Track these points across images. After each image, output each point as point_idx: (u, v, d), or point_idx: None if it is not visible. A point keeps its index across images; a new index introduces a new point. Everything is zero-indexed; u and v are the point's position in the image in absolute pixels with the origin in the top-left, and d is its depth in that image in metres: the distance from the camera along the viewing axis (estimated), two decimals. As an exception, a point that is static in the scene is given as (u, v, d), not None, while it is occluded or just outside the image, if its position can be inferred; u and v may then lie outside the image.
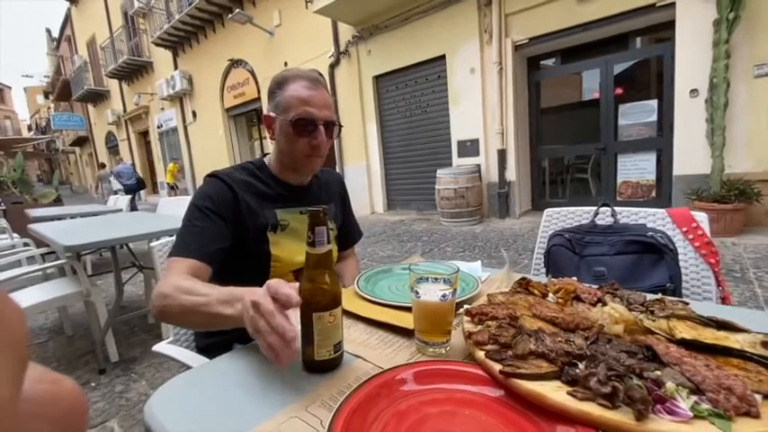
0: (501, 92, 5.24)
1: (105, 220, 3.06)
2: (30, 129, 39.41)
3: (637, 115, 4.96)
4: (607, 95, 5.05)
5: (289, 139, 0.90)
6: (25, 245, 3.56)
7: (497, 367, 0.45)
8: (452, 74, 5.68)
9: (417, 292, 0.57)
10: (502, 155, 5.33)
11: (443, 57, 5.74)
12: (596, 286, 0.67)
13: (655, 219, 1.05)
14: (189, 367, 0.78)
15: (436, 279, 0.58)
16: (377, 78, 6.72)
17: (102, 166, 11.86)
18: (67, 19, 18.96)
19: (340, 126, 0.96)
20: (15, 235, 3.96)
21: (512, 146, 5.30)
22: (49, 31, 25.15)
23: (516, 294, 0.63)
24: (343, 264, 1.18)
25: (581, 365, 0.44)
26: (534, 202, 5.83)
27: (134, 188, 9.08)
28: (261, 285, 0.83)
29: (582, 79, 5.57)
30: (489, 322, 0.53)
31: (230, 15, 7.84)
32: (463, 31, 5.43)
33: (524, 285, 0.65)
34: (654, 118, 4.83)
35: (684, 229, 0.99)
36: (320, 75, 0.94)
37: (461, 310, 0.61)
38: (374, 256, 4.08)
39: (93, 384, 1.90)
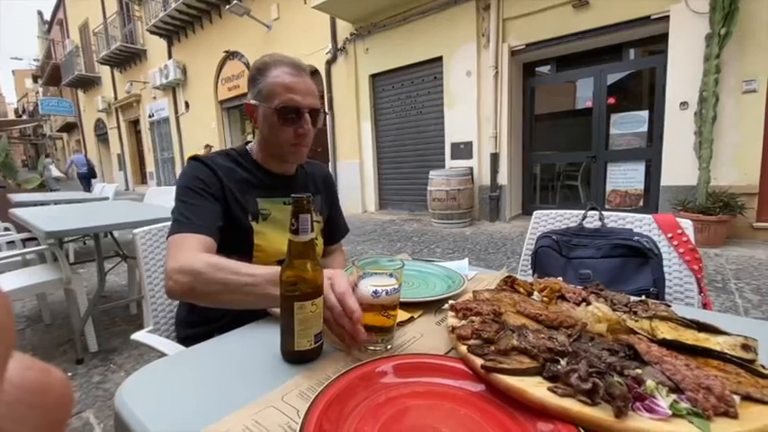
0: (496, 96, 5.27)
1: (90, 207, 2.99)
2: (17, 113, 38.48)
3: (628, 125, 5.04)
4: (600, 104, 5.11)
5: (273, 128, 0.88)
6: (6, 230, 3.48)
7: (479, 362, 0.45)
8: (449, 76, 5.70)
9: (358, 288, 0.55)
10: (495, 159, 5.36)
11: (440, 58, 5.76)
12: (581, 287, 0.67)
13: (641, 224, 1.06)
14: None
15: (381, 274, 0.56)
16: (373, 77, 6.71)
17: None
18: (60, 2, 18.56)
19: (325, 113, 0.95)
20: (-5, 219, 3.86)
21: (505, 150, 5.34)
22: (40, 13, 24.58)
23: (502, 292, 0.63)
24: (330, 258, 1.17)
25: (563, 362, 0.43)
26: (525, 207, 5.88)
27: (86, 176, 10.86)
28: None
29: (576, 87, 5.64)
30: (473, 317, 0.53)
31: (228, 6, 7.75)
32: (461, 33, 5.45)
33: (510, 283, 0.65)
34: (644, 128, 4.91)
35: (669, 235, 1.00)
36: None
37: (446, 305, 0.61)
38: (364, 255, 4.07)
39: (69, 374, 1.86)
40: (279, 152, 0.92)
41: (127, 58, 12.89)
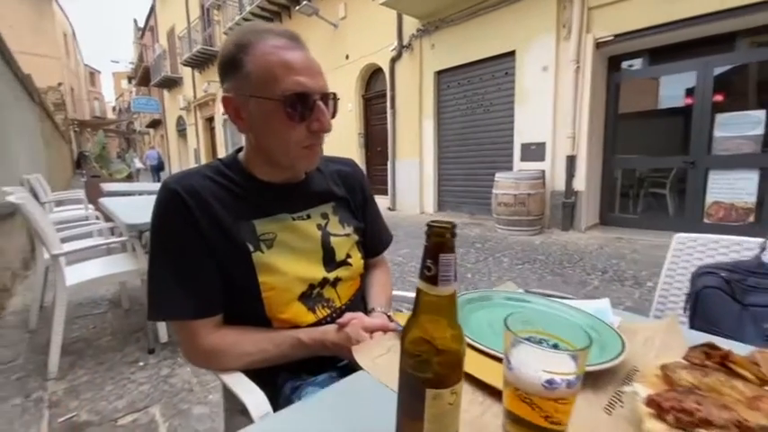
0: (576, 93, 4.78)
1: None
2: (114, 110, 43.51)
3: (737, 127, 4.31)
4: (703, 103, 4.43)
5: (275, 127, 0.65)
6: (97, 218, 3.79)
7: None
8: (521, 71, 5.30)
9: (510, 362, 0.36)
10: (571, 161, 4.88)
11: (513, 53, 5.37)
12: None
13: None
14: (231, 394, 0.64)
15: (551, 345, 0.38)
16: (438, 74, 6.48)
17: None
18: (152, 10, 20.54)
19: (337, 99, 0.71)
20: (90, 207, 4.25)
21: (583, 152, 4.84)
22: (135, 21, 27.48)
23: (709, 374, 0.42)
24: (372, 275, 0.91)
25: None
26: (602, 216, 5.31)
27: (156, 168, 13.74)
28: (257, 325, 0.71)
29: (669, 83, 4.96)
30: (700, 431, 0.33)
31: (297, 7, 7.95)
32: (538, 25, 5.02)
33: (719, 359, 0.43)
34: (759, 131, 4.16)
35: None
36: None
37: (629, 388, 0.41)
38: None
39: (141, 364, 1.90)
40: (285, 159, 0.69)
41: (206, 59, 13.86)
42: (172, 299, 0.65)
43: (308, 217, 0.77)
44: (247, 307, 0.70)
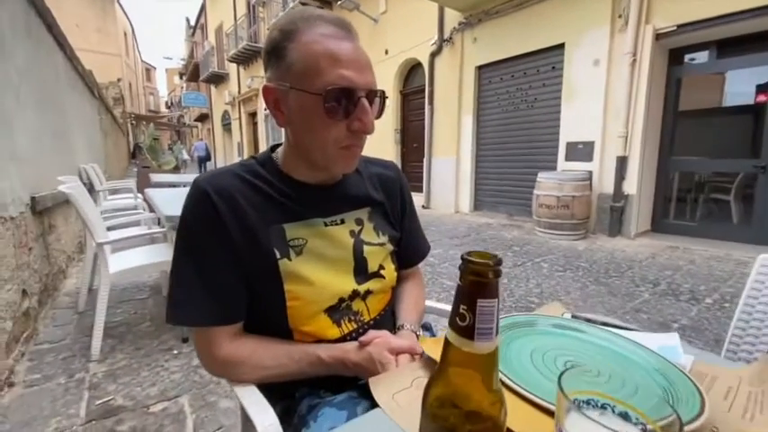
0: (631, 88, 4.42)
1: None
2: (167, 105, 46.19)
3: (821, 127, 3.82)
4: (781, 99, 3.95)
5: (314, 124, 0.60)
6: (145, 208, 4.00)
7: None
8: (570, 65, 4.98)
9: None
10: (622, 162, 4.54)
11: (561, 46, 5.06)
12: None
13: None
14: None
15: (617, 413, 0.29)
16: (479, 68, 6.26)
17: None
18: (203, 9, 21.47)
19: (385, 97, 0.65)
20: (140, 195, 4.49)
21: (636, 153, 4.48)
22: (188, 19, 28.88)
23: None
24: (404, 287, 0.84)
25: None
26: (654, 223, 4.90)
27: (203, 159, 14.90)
28: (277, 334, 0.67)
29: (737, 78, 4.48)
30: None
31: (339, 2, 7.97)
32: (591, 16, 4.69)
33: None
34: None
35: None
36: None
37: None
38: (456, 261, 3.76)
39: (175, 352, 1.96)
40: (321, 159, 0.64)
41: (250, 55, 14.30)
42: (191, 303, 0.62)
43: (342, 222, 0.72)
44: (269, 316, 0.67)
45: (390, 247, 0.77)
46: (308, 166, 0.67)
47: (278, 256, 0.64)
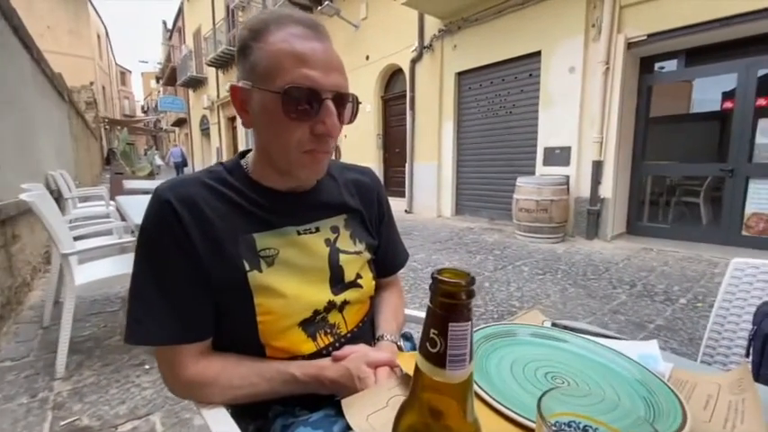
0: (605, 95, 4.56)
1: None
2: (143, 109, 44.99)
3: (783, 133, 4.02)
4: (744, 107, 4.14)
5: (275, 125, 0.57)
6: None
7: None
8: (547, 73, 5.10)
9: None
10: (597, 167, 4.66)
11: (538, 53, 5.19)
12: None
13: None
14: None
15: None
16: (459, 75, 6.34)
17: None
18: (180, 12, 21.10)
19: (358, 102, 0.63)
20: (112, 203, 4.32)
21: (611, 158, 4.61)
22: (164, 23, 28.30)
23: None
24: (383, 297, 0.81)
25: None
26: (630, 225, 5.05)
27: (179, 165, 14.70)
28: (248, 351, 0.63)
29: (705, 86, 4.69)
30: None
31: (319, 8, 7.96)
32: (566, 25, 4.83)
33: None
34: (808, 138, 3.87)
35: None
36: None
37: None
38: (438, 266, 3.77)
39: (147, 367, 1.87)
40: (284, 164, 0.61)
41: (230, 59, 14.09)
42: (152, 320, 0.58)
43: (317, 230, 0.69)
44: (239, 332, 0.63)
45: (368, 255, 0.74)
46: (277, 171, 0.64)
47: (247, 268, 0.60)
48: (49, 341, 2.10)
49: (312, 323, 0.65)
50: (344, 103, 0.60)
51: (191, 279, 0.58)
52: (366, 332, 0.74)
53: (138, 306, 0.58)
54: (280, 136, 0.58)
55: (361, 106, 0.66)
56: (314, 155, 0.60)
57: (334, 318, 0.68)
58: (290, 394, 0.62)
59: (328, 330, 0.67)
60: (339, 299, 0.68)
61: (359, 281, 0.71)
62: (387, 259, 0.81)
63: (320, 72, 0.56)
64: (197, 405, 0.61)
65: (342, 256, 0.69)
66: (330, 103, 0.57)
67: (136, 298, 0.58)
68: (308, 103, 0.56)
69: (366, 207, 0.77)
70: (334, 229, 0.71)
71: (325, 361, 0.62)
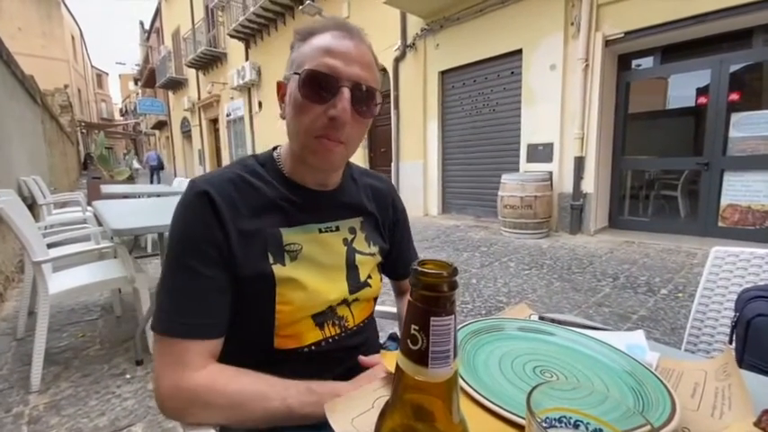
0: (585, 92, 4.64)
1: (167, 202, 3.04)
2: (121, 112, 43.86)
3: (754, 127, 4.15)
4: (718, 102, 4.27)
5: (294, 106, 0.60)
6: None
7: None
8: (528, 71, 5.17)
9: None
10: (579, 163, 4.74)
11: (519, 51, 5.25)
12: None
13: None
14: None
15: (591, 431, 0.27)
16: (443, 74, 6.37)
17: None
18: (158, 12, 20.63)
19: (381, 98, 0.64)
20: (90, 209, 4.19)
21: (592, 154, 4.69)
22: (142, 23, 27.65)
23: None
24: (400, 302, 0.89)
25: None
26: (612, 219, 5.15)
27: (156, 168, 14.59)
28: (254, 349, 0.62)
29: (680, 82, 4.82)
30: None
31: (301, 7, 7.89)
32: (546, 23, 4.89)
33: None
34: (777, 131, 4.01)
35: None
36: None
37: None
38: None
39: (128, 376, 1.81)
40: (298, 148, 0.63)
41: (210, 60, 13.86)
42: (176, 311, 0.56)
43: (337, 229, 0.70)
44: (253, 325, 0.62)
45: (379, 258, 0.76)
46: (298, 160, 0.66)
47: (271, 260, 0.61)
48: (24, 353, 2.01)
49: (323, 315, 0.66)
50: (364, 95, 0.60)
51: (219, 269, 0.57)
52: (370, 328, 0.76)
53: (165, 296, 0.57)
54: (295, 117, 0.61)
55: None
56: (324, 142, 0.60)
57: (342, 311, 0.69)
58: (300, 413, 0.54)
59: (336, 322, 0.67)
60: (352, 297, 0.69)
61: (369, 281, 0.73)
62: (398, 263, 0.84)
63: (341, 62, 0.58)
64: (183, 425, 0.55)
65: (357, 257, 0.71)
66: (346, 91, 0.58)
67: (164, 287, 0.57)
68: (324, 89, 0.58)
69: (380, 212, 0.79)
70: (352, 230, 0.73)
71: (340, 384, 0.58)
